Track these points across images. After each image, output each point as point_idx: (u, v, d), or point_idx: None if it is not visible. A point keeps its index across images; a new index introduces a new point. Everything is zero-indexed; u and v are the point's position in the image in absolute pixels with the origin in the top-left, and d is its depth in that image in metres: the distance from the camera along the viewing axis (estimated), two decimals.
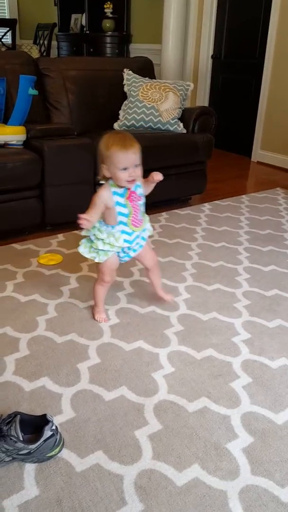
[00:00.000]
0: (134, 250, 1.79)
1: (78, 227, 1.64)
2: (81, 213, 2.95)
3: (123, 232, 1.70)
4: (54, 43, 6.31)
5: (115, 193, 1.64)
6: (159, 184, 3.07)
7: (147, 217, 1.83)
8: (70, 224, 2.80)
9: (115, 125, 3.19)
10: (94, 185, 2.81)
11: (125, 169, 1.56)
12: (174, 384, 1.53)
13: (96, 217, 1.65)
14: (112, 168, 1.58)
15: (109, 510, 1.12)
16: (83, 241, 1.77)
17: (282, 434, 1.35)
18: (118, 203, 1.66)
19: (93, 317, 1.87)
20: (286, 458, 1.28)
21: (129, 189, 1.65)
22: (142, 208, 1.74)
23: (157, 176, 1.67)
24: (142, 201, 1.72)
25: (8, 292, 2.06)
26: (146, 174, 3.11)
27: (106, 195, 1.64)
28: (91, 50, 6.11)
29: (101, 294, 1.85)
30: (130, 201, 1.66)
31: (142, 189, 1.71)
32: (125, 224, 1.70)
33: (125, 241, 1.72)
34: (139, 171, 1.59)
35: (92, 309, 1.91)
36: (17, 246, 2.52)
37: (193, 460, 1.26)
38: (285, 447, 1.31)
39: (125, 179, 1.58)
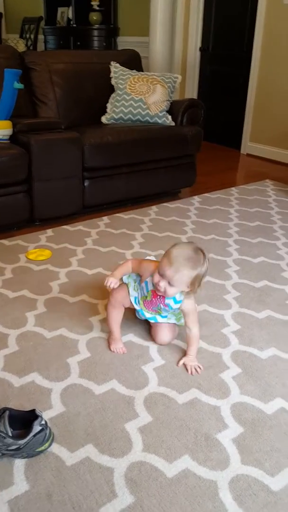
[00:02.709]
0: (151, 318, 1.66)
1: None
2: (70, 207, 2.90)
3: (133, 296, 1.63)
4: (40, 36, 6.25)
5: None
6: (148, 178, 3.08)
7: (180, 318, 1.66)
8: (59, 219, 2.79)
9: (103, 119, 3.17)
10: (83, 179, 2.80)
11: (161, 275, 1.46)
12: (164, 376, 1.54)
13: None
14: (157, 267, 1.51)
15: (100, 503, 1.12)
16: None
17: (272, 424, 1.36)
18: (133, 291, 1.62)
19: (109, 347, 1.67)
20: (276, 448, 1.28)
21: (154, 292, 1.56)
22: (167, 313, 1.62)
23: (189, 369, 1.57)
24: (168, 310, 1.60)
25: None
26: (136, 167, 3.04)
27: (122, 294, 1.62)
28: (78, 43, 6.06)
29: (113, 317, 1.65)
30: (153, 296, 1.58)
31: (177, 307, 1.57)
32: (136, 298, 1.63)
33: (135, 300, 1.63)
34: (169, 291, 1.47)
35: (108, 337, 1.72)
36: (5, 242, 2.50)
37: (184, 451, 1.26)
38: (274, 436, 1.32)
39: (155, 283, 1.49)
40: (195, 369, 1.56)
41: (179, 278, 1.44)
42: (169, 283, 1.46)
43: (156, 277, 1.48)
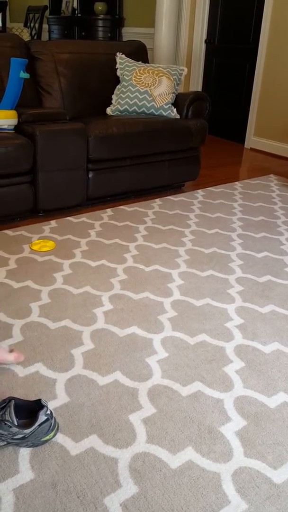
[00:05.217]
0: None
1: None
2: (74, 199, 2.85)
3: None
4: (45, 26, 6.21)
5: None
6: (152, 171, 3.07)
7: None
8: (63, 210, 2.79)
9: (108, 110, 3.15)
10: (87, 171, 2.80)
11: None
12: (168, 369, 1.54)
13: None
14: None
15: (104, 493, 1.13)
16: None
17: (275, 417, 1.37)
18: None
19: None
20: (279, 441, 1.29)
21: None
22: None
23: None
24: None
25: (1, 278, 2.05)
26: (140, 159, 3.04)
27: None
28: (83, 33, 6.02)
29: None
30: None
31: None
32: None
33: None
34: None
35: None
36: (9, 232, 2.50)
37: (187, 443, 1.27)
38: (277, 429, 1.33)
39: None
40: None
41: None
42: None
43: None
